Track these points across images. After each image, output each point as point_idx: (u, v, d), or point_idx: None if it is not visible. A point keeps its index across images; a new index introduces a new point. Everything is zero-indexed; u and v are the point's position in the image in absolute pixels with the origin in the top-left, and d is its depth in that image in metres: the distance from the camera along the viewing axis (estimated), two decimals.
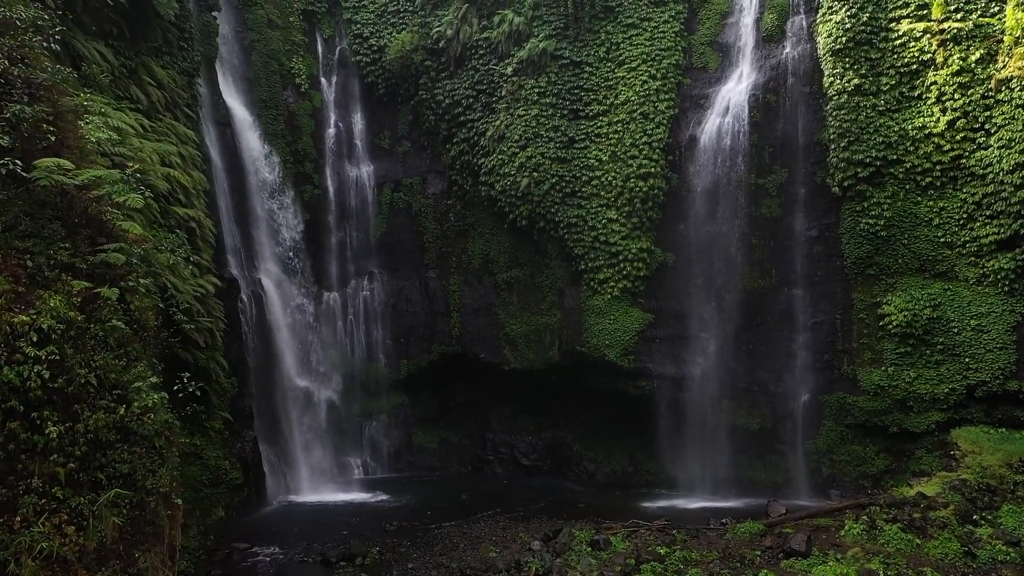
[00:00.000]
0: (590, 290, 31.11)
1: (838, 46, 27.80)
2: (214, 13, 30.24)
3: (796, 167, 29.12)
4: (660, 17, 31.11)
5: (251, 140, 31.14)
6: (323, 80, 35.40)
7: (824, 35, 28.25)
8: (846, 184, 27.79)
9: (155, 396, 11.15)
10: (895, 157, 27.18)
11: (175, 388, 12.61)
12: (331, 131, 35.24)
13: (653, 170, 30.17)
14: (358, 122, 35.76)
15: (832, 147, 28.04)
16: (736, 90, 29.97)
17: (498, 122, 32.23)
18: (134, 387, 11.02)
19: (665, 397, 30.85)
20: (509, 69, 32.11)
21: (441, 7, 34.15)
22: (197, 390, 12.76)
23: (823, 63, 28.39)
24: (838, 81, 27.87)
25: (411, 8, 34.77)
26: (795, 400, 29.36)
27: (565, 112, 31.54)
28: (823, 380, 28.97)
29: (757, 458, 30.14)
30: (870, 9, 27.58)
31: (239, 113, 31.05)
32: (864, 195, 27.65)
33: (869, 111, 27.47)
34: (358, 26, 35.25)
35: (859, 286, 28.23)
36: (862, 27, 27.56)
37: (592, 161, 30.95)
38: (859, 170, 27.52)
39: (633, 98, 30.65)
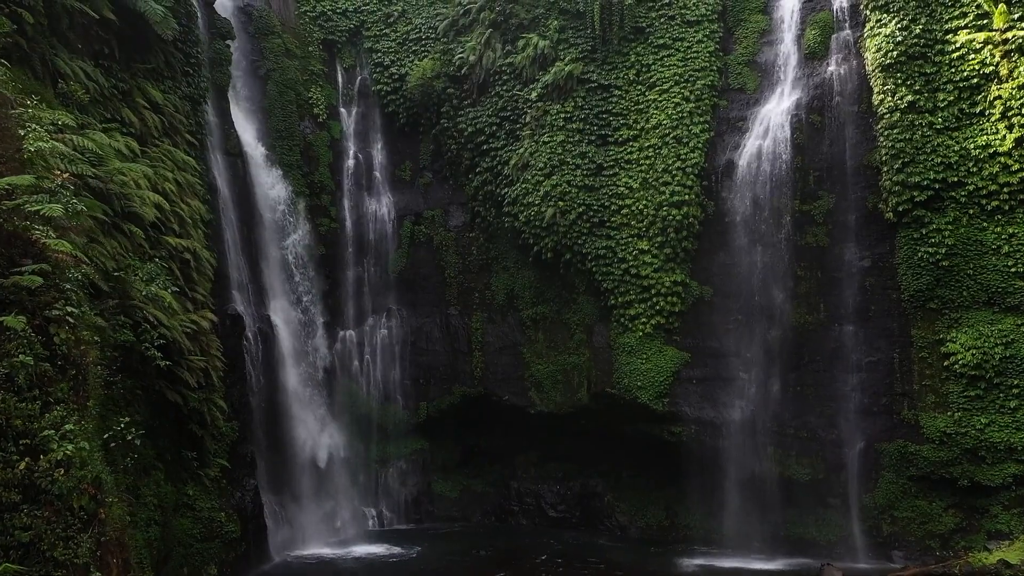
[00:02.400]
0: (620, 327, 28.84)
1: (888, 61, 25.62)
2: (228, 41, 29.25)
3: (845, 192, 26.77)
4: (693, 37, 29.27)
5: (263, 171, 29.83)
6: (343, 110, 34.20)
7: (873, 50, 26.11)
8: (901, 209, 25.34)
9: (70, 447, 9.24)
10: (956, 179, 24.72)
11: (106, 435, 10.70)
12: (350, 162, 33.89)
13: (687, 197, 28.04)
14: (378, 153, 34.38)
15: (884, 169, 25.69)
16: (777, 111, 27.86)
17: (522, 150, 30.50)
18: (43, 435, 9.12)
19: (704, 444, 28.20)
20: (534, 94, 30.48)
21: (464, 33, 32.86)
22: (137, 438, 10.85)
23: (872, 80, 26.22)
24: (889, 98, 25.63)
25: (433, 36, 33.57)
26: (849, 448, 26.53)
27: (593, 138, 29.69)
28: (881, 426, 26.14)
29: (808, 513, 27.27)
30: (923, 20, 25.38)
31: (251, 143, 29.82)
32: (922, 221, 25.14)
33: (925, 129, 25.12)
34: (379, 55, 34.10)
35: (919, 321, 25.52)
36: (915, 40, 25.36)
37: (622, 189, 28.96)
38: (916, 194, 25.06)
39: (665, 121, 28.71)
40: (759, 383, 27.57)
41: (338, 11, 34.07)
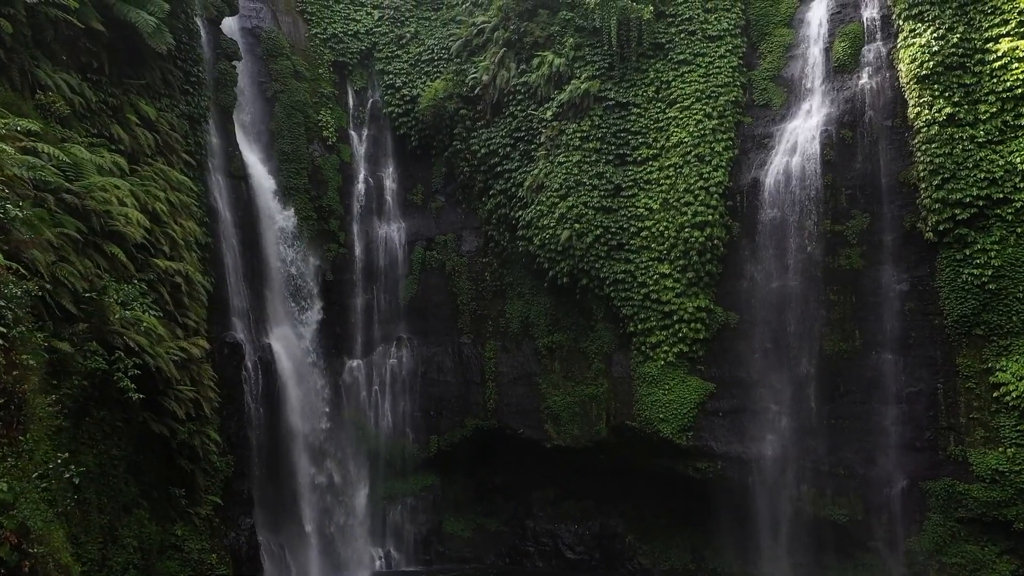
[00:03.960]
0: (641, 355, 27.22)
1: (924, 72, 24.07)
2: (233, 62, 28.44)
3: (879, 211, 25.14)
4: (715, 52, 28.00)
5: (268, 194, 28.77)
6: (353, 133, 33.23)
7: (907, 61, 24.59)
8: (942, 228, 23.63)
9: None
10: (1001, 196, 22.99)
11: (35, 474, 9.30)
12: (360, 186, 32.82)
13: (711, 218, 26.53)
14: (389, 176, 33.31)
15: (923, 186, 24.04)
16: (805, 127, 26.39)
17: (537, 171, 29.25)
18: None
19: (732, 481, 26.38)
20: (549, 113, 29.30)
21: (478, 54, 31.90)
22: (77, 476, 9.46)
23: (907, 92, 24.67)
24: (926, 111, 24.05)
25: (446, 56, 32.65)
26: (891, 487, 24.55)
27: (610, 157, 28.37)
28: (925, 463, 24.14)
29: (846, 557, 25.29)
30: (961, 29, 23.84)
31: (256, 166, 28.83)
32: (965, 241, 23.38)
33: (966, 143, 23.46)
34: (391, 76, 33.21)
35: (964, 349, 23.62)
36: (952, 49, 23.81)
37: (641, 210, 27.55)
38: (957, 212, 23.35)
39: (687, 139, 27.34)
40: (791, 416, 25.78)
41: (349, 33, 33.28)
